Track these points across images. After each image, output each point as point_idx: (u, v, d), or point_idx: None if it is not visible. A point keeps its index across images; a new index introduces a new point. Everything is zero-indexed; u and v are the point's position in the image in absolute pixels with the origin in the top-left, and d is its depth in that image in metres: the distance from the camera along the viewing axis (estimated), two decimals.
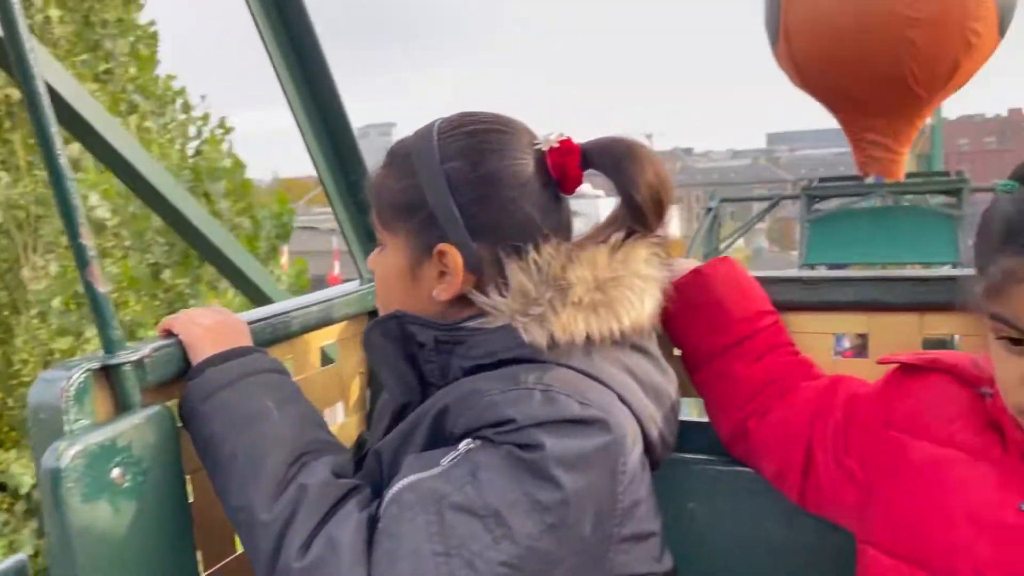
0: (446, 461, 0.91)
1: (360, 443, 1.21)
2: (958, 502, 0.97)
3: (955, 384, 1.06)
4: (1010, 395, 0.93)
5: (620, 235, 1.05)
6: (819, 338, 1.37)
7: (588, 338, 0.98)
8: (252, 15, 1.49)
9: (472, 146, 1.04)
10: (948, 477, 1.00)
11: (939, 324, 1.31)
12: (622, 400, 1.00)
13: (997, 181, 1.00)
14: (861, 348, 1.44)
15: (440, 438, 0.96)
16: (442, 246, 1.03)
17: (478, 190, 1.03)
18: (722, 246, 10.06)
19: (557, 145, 1.06)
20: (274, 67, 1.52)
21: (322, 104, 1.57)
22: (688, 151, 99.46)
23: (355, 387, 1.53)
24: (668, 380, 1.11)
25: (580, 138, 1.08)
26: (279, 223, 8.16)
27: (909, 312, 1.30)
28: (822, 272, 1.47)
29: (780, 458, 1.21)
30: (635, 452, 0.99)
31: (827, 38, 4.83)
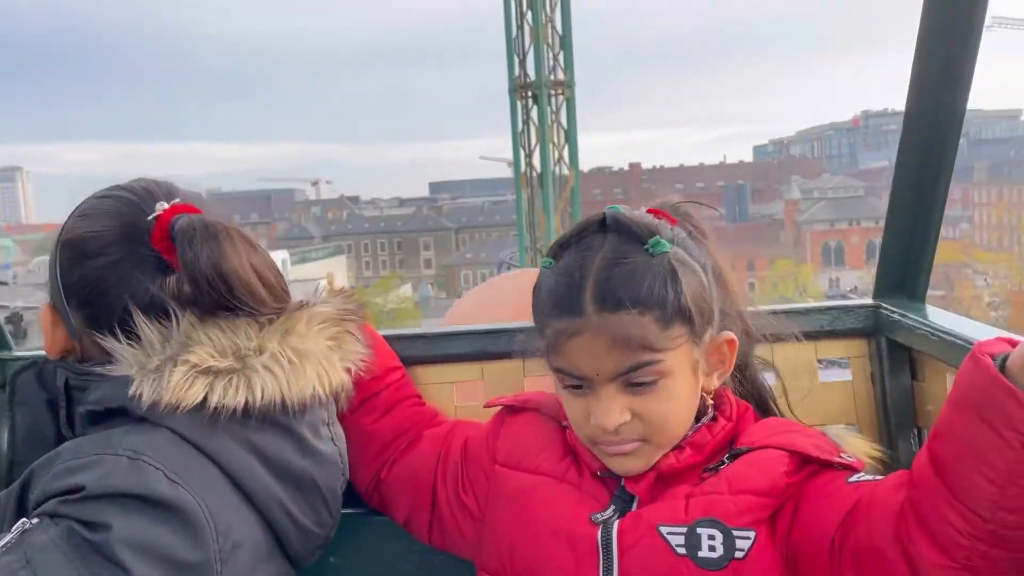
0: None
1: None
2: (543, 520, 1.17)
3: (543, 420, 1.28)
4: (580, 429, 1.17)
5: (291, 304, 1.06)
6: (442, 387, 1.54)
7: (209, 407, 0.95)
8: None
9: (78, 213, 1.08)
10: (536, 499, 1.20)
11: (537, 367, 1.54)
12: (235, 481, 0.97)
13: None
14: None
15: (23, 507, 0.92)
16: (47, 302, 1.08)
17: (67, 255, 1.05)
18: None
19: (164, 209, 1.05)
20: None
21: None
22: (355, 199, 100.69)
23: None
24: (317, 463, 1.09)
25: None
26: None
27: (513, 360, 1.50)
28: (441, 328, 1.65)
29: (409, 503, 1.34)
30: (240, 538, 0.95)
31: None
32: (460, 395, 1.55)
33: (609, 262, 1.09)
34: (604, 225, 1.14)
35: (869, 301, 1.54)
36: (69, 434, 1.02)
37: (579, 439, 1.18)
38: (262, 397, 0.98)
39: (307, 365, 1.04)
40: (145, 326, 0.98)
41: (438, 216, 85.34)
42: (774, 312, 1.38)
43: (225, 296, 0.98)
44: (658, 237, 1.11)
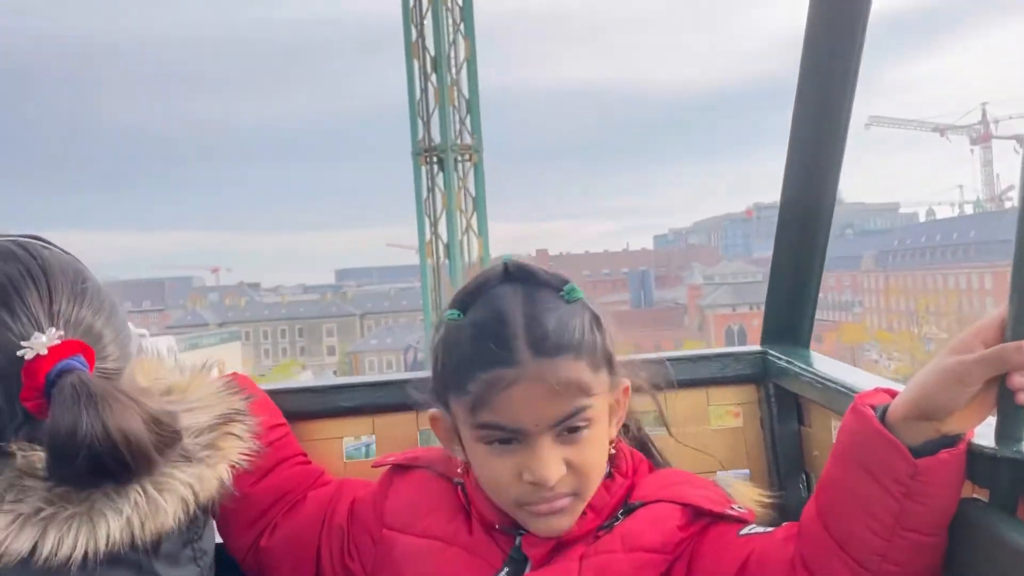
0: None
1: None
2: None
3: (433, 478, 1.24)
4: (506, 490, 1.10)
5: None
6: (330, 443, 1.49)
7: (39, 558, 0.84)
8: None
9: None
10: (423, 566, 1.15)
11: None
12: None
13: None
14: None
15: None
16: None
17: None
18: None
19: (43, 353, 0.89)
20: None
21: None
22: (255, 286, 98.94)
23: None
24: None
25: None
26: None
27: (406, 411, 1.47)
28: (329, 380, 1.61)
29: (291, 570, 1.27)
30: None
31: None
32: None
33: (534, 308, 1.08)
34: (508, 274, 1.13)
35: (757, 348, 1.60)
36: None
37: (505, 505, 1.12)
38: (106, 544, 0.87)
39: (169, 498, 0.93)
40: None
41: (343, 302, 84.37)
42: (664, 360, 1.41)
43: (86, 474, 0.86)
44: (572, 284, 1.13)
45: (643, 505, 1.14)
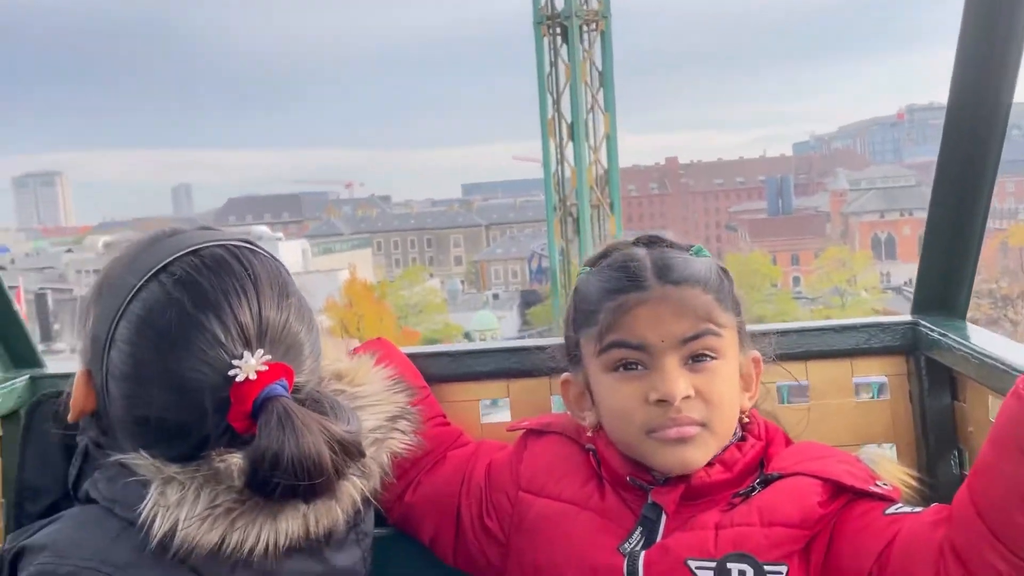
0: None
1: None
2: (567, 550, 1.17)
3: (566, 443, 1.28)
4: (633, 416, 1.14)
5: None
6: (467, 405, 1.56)
7: (226, 549, 0.92)
8: None
9: (150, 312, 0.97)
10: (560, 529, 1.20)
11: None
12: None
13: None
14: None
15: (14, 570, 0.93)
16: (83, 368, 1.04)
17: (126, 368, 0.98)
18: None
19: (252, 377, 0.95)
20: None
21: None
22: (386, 199, 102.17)
23: None
24: None
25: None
26: None
27: (540, 377, 1.51)
28: (465, 345, 1.67)
29: (434, 525, 1.36)
30: None
31: None
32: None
33: (662, 254, 1.17)
34: (637, 240, 1.22)
35: (907, 318, 1.53)
36: (72, 491, 1.03)
37: (632, 437, 1.15)
38: (287, 540, 0.95)
39: (342, 499, 1.01)
40: (175, 467, 0.94)
41: (469, 212, 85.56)
42: (806, 330, 1.37)
43: (277, 493, 0.93)
44: (699, 246, 1.21)
45: (781, 477, 1.14)
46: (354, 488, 1.02)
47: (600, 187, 16.76)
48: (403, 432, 1.12)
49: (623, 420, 1.15)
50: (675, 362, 1.12)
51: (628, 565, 1.12)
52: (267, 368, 0.95)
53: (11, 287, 1.60)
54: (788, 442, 1.24)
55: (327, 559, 1.03)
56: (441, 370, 1.54)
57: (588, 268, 1.23)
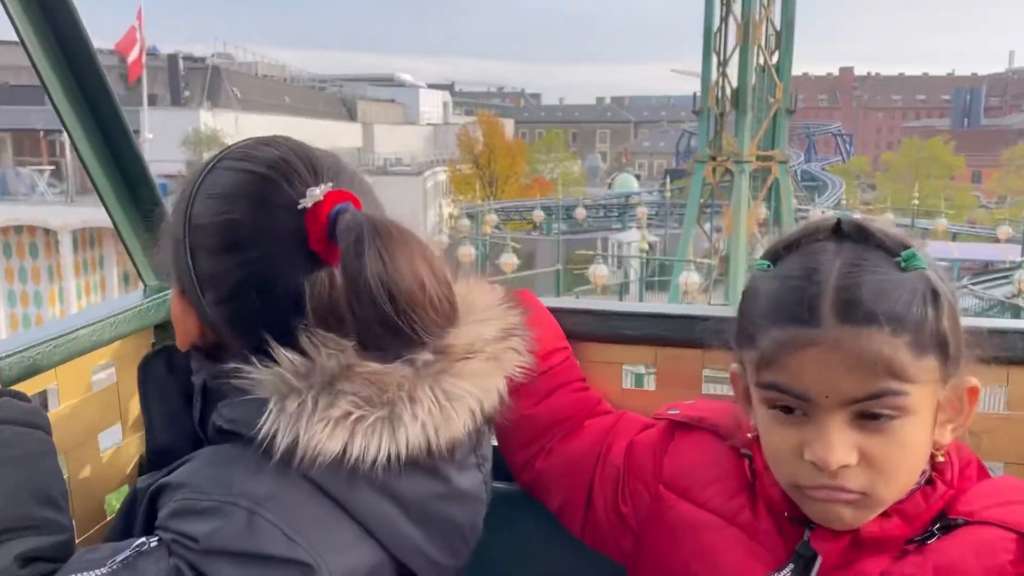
0: (114, 562, 0.89)
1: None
2: (706, 567, 1.09)
3: (717, 443, 1.18)
4: (782, 468, 1.01)
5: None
6: (609, 368, 1.49)
7: (349, 458, 0.91)
8: None
9: (208, 192, 1.01)
10: (699, 541, 1.11)
11: (719, 359, 1.45)
12: (370, 531, 0.95)
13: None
14: None
15: (151, 516, 0.96)
16: (176, 289, 1.06)
17: (201, 243, 1.00)
18: None
19: (319, 199, 0.96)
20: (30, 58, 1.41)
21: (93, 101, 1.50)
22: (536, 95, 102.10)
23: (135, 406, 1.51)
24: (461, 503, 1.05)
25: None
26: None
27: (692, 348, 1.41)
28: (612, 304, 1.59)
29: (564, 495, 1.32)
30: None
31: None
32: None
33: (854, 269, 0.95)
34: (838, 230, 1.01)
35: None
36: (201, 434, 1.05)
37: (779, 481, 1.03)
38: (407, 448, 0.94)
39: (460, 408, 0.99)
40: (288, 357, 0.94)
41: (619, 109, 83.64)
42: (1009, 331, 1.20)
43: (388, 317, 0.92)
44: (913, 250, 0.97)
45: (967, 523, 0.99)
46: (470, 397, 1.00)
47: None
48: (517, 351, 1.09)
49: (774, 462, 1.03)
50: (840, 422, 0.95)
51: None
52: (335, 191, 0.97)
53: None
54: (982, 473, 1.08)
55: (450, 479, 1.02)
56: (584, 328, 1.47)
57: (767, 264, 1.04)
